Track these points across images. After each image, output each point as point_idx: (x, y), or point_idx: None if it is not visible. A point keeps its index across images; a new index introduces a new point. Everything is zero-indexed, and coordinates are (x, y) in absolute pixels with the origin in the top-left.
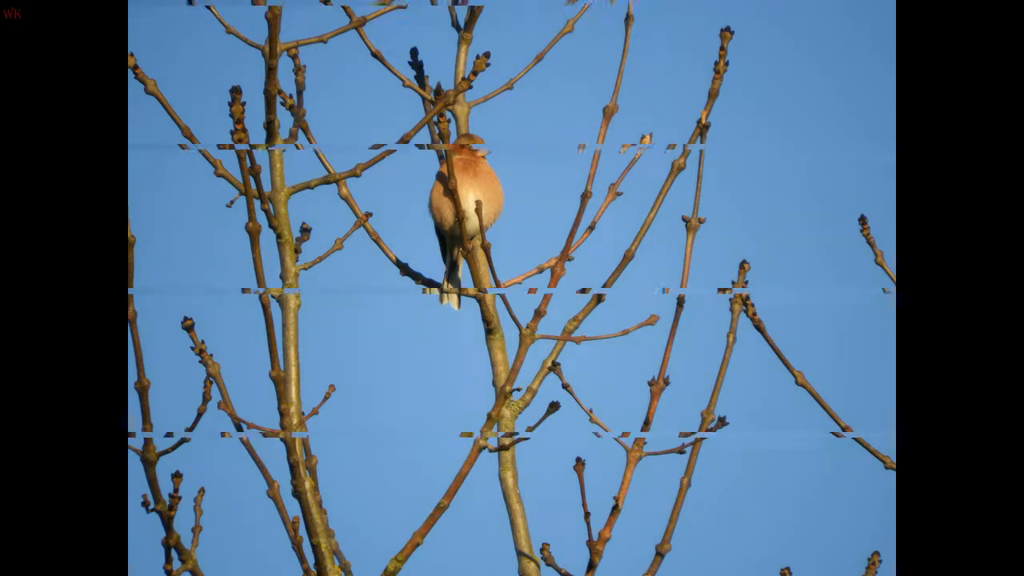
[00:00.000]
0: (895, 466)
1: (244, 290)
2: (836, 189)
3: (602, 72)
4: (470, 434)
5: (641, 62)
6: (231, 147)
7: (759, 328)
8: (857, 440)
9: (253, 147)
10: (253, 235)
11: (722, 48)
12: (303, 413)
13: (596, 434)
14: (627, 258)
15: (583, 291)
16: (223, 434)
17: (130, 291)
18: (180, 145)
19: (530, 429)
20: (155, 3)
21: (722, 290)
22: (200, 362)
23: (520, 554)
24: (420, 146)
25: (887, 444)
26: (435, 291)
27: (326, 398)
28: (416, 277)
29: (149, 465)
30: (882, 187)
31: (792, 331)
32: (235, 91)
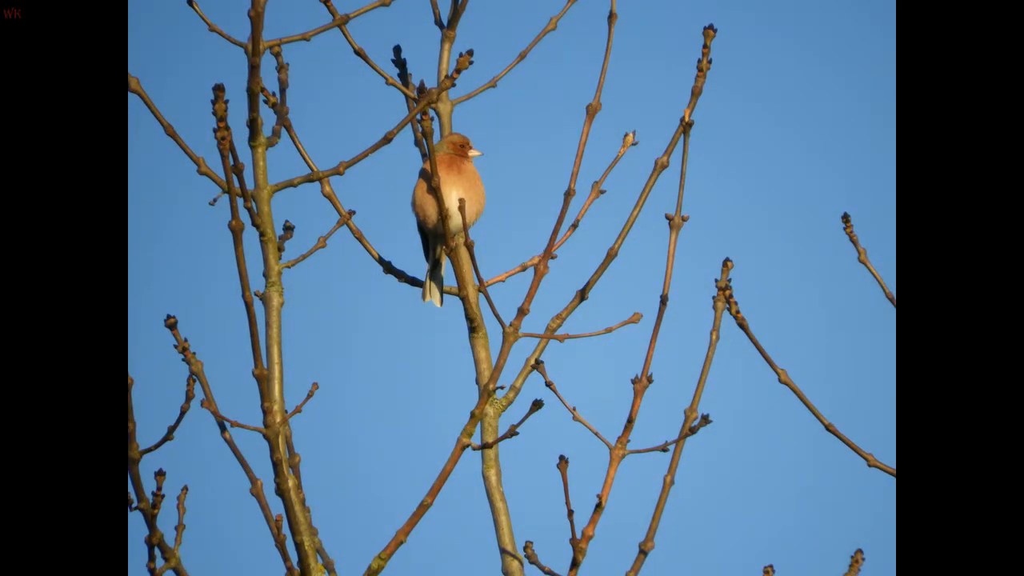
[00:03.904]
0: (879, 463)
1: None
2: (823, 186)
3: (585, 70)
4: (468, 436)
5: (625, 59)
6: (229, 147)
7: (742, 326)
8: (839, 437)
9: (252, 145)
10: (236, 233)
11: (705, 46)
12: (286, 411)
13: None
14: (610, 256)
15: (582, 293)
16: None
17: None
18: (184, 149)
19: (514, 427)
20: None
21: (721, 290)
22: (183, 360)
23: (503, 552)
24: (420, 146)
25: (869, 441)
26: (434, 289)
27: (309, 396)
28: (399, 275)
29: (132, 463)
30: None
31: (776, 328)
32: (218, 89)
